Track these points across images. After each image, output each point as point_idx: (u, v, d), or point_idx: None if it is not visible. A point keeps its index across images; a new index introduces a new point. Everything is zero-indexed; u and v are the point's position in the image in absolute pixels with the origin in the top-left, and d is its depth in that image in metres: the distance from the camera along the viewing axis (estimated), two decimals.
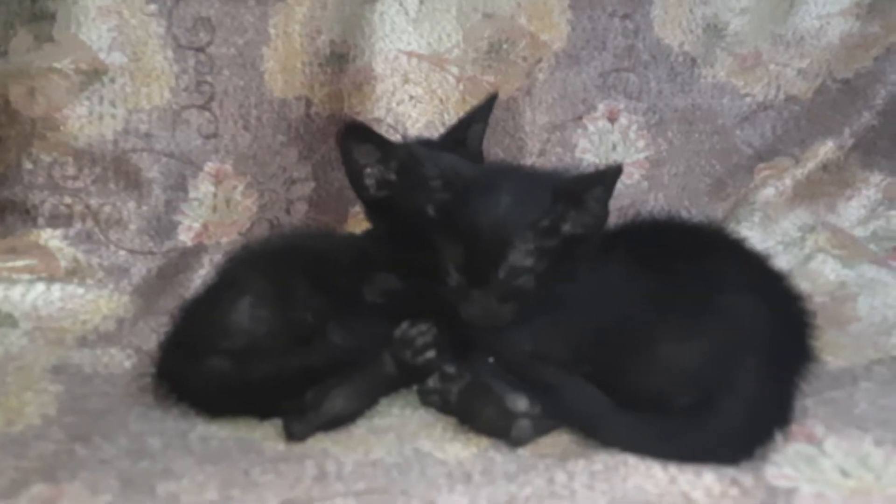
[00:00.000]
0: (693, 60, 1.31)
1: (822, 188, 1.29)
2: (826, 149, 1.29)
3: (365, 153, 0.99)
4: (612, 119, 1.30)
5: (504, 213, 0.87)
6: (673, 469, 0.76)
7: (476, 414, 0.86)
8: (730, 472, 0.75)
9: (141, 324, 1.11)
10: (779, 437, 0.80)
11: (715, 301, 0.84)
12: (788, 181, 1.28)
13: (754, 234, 1.22)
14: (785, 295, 0.88)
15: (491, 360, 0.91)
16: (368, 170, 1.00)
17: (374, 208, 1.03)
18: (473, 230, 0.88)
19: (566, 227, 0.88)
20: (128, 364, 1.03)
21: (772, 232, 1.26)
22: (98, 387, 0.97)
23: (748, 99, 1.31)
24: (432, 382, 0.90)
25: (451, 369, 0.89)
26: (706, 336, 0.83)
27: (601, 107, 1.30)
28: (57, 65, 1.19)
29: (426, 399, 0.91)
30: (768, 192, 1.27)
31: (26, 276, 1.13)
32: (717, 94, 1.31)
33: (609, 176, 0.88)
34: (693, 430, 0.79)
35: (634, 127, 1.30)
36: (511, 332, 0.89)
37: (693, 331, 0.83)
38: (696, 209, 1.27)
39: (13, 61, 1.20)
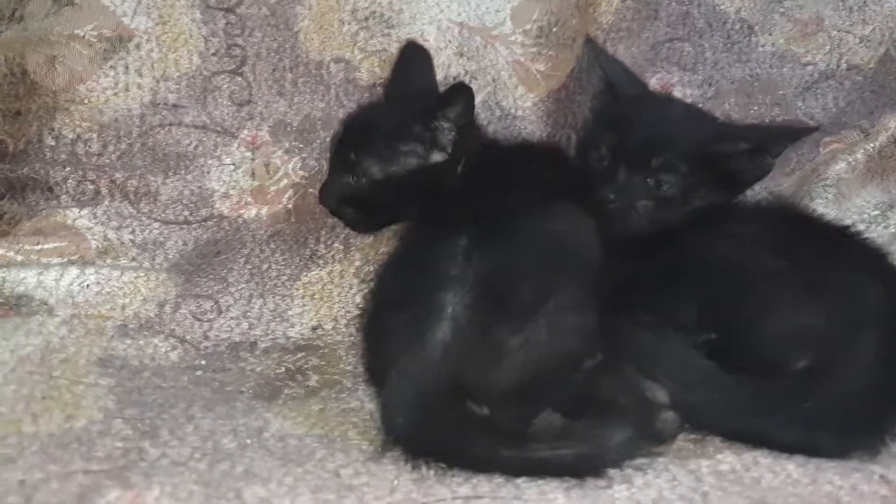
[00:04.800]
0: (751, 27, 1.24)
1: (894, 163, 1.24)
2: (895, 122, 1.24)
3: None
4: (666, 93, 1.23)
5: (675, 119, 0.96)
6: (811, 467, 0.71)
7: (607, 400, 0.80)
8: (877, 469, 0.71)
9: (183, 309, 1.05)
10: None
11: (838, 274, 0.83)
12: (860, 156, 1.22)
13: (829, 212, 1.17)
14: None
15: None
16: None
17: None
18: (642, 119, 0.94)
19: (726, 165, 0.93)
20: (174, 356, 0.97)
21: (847, 210, 1.20)
22: (149, 380, 0.91)
23: (809, 68, 1.25)
24: None
25: None
26: (828, 302, 0.81)
27: (653, 81, 1.23)
28: (78, 31, 1.10)
29: None
30: (839, 168, 1.21)
31: (57, 260, 1.06)
32: (776, 63, 1.24)
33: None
34: (806, 395, 0.76)
35: (689, 101, 1.23)
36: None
37: (815, 294, 0.81)
38: (758, 185, 1.21)
39: (31, 28, 1.10)
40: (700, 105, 1.23)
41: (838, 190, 1.21)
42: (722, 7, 1.24)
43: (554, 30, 1.19)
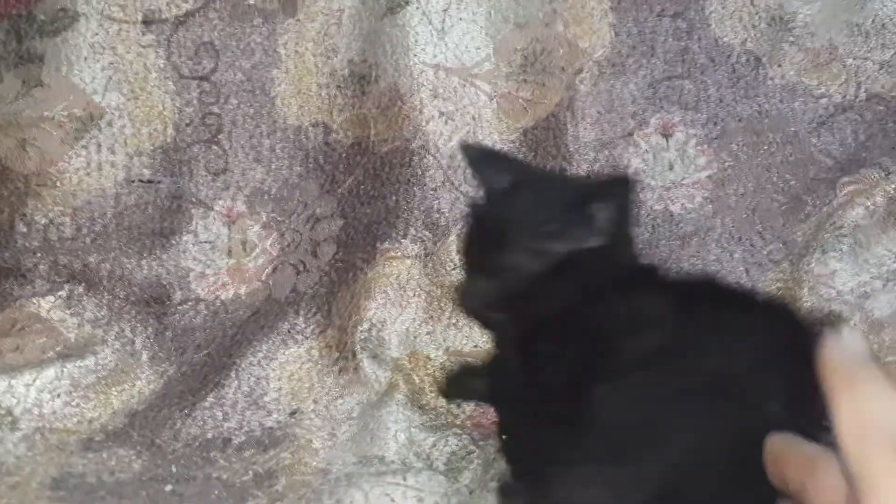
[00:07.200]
0: (757, 60, 1.14)
1: None
2: None
3: None
4: (666, 134, 1.14)
5: (512, 211, 0.87)
6: None
7: None
8: None
9: (155, 413, 1.00)
10: None
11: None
12: (880, 198, 1.10)
13: (844, 267, 1.06)
14: None
15: None
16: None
17: None
18: (478, 220, 0.90)
19: (577, 238, 0.84)
20: (137, 465, 0.92)
21: (865, 263, 1.08)
22: (103, 500, 0.87)
23: (824, 100, 1.14)
24: None
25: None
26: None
27: (653, 121, 1.14)
28: (48, 112, 1.08)
29: None
30: (856, 213, 1.09)
31: (34, 359, 1.02)
32: (787, 97, 1.13)
33: (614, 190, 0.85)
34: None
35: (693, 142, 1.14)
36: None
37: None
38: (770, 233, 1.11)
39: (1, 111, 1.09)
40: (705, 147, 1.14)
41: (854, 239, 1.09)
42: (725, 40, 1.14)
43: (540, 57, 1.14)
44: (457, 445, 0.93)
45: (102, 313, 1.08)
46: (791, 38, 1.14)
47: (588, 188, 0.90)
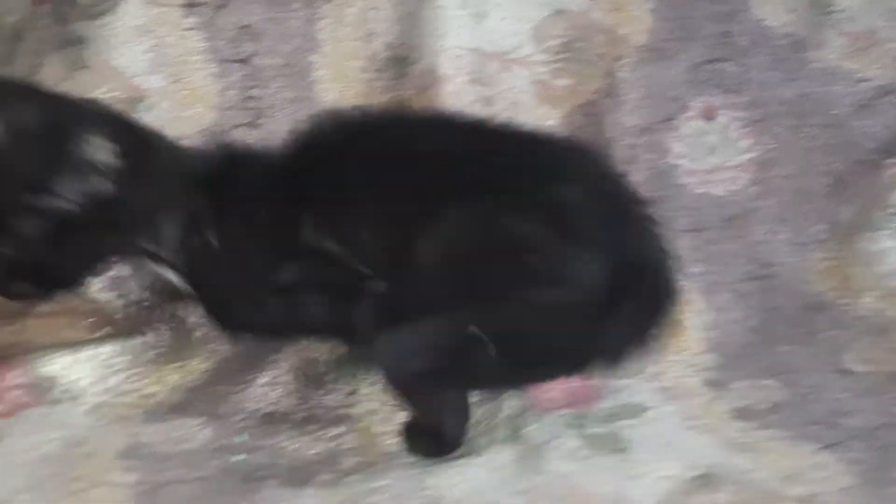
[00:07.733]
0: (798, 43, 1.14)
1: None
2: None
3: None
4: (708, 117, 1.15)
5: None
6: None
7: None
8: None
9: (213, 388, 1.00)
10: None
11: None
12: None
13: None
14: None
15: None
16: None
17: None
18: None
19: (70, 189, 0.72)
20: (207, 433, 0.92)
21: None
22: (176, 471, 0.86)
23: (864, 84, 1.14)
24: None
25: None
26: None
27: (695, 104, 1.15)
28: (91, 95, 1.08)
29: None
30: None
31: (88, 337, 1.02)
32: (828, 80, 1.14)
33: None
34: None
35: (735, 125, 1.14)
36: None
37: None
38: (815, 214, 1.12)
39: None
40: (747, 130, 1.14)
41: None
42: (766, 22, 1.15)
43: (578, 45, 1.14)
44: (512, 409, 0.94)
45: (148, 294, 1.07)
46: (831, 23, 1.14)
47: (67, 118, 0.72)
